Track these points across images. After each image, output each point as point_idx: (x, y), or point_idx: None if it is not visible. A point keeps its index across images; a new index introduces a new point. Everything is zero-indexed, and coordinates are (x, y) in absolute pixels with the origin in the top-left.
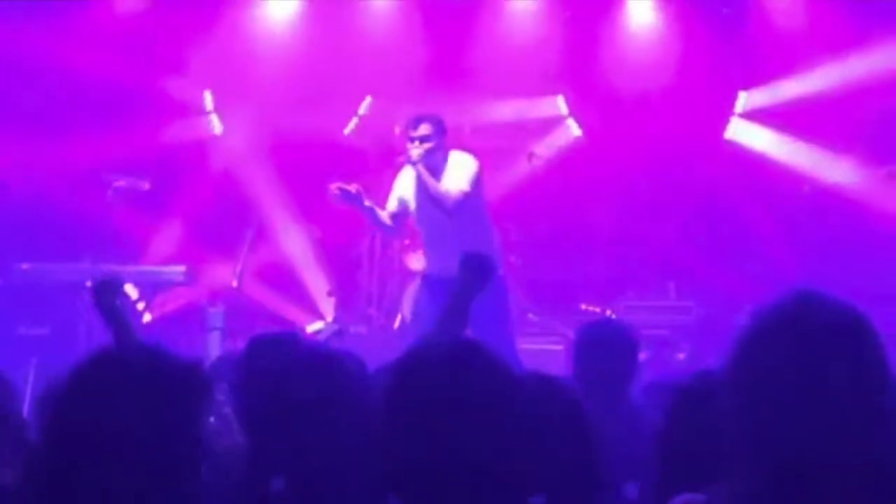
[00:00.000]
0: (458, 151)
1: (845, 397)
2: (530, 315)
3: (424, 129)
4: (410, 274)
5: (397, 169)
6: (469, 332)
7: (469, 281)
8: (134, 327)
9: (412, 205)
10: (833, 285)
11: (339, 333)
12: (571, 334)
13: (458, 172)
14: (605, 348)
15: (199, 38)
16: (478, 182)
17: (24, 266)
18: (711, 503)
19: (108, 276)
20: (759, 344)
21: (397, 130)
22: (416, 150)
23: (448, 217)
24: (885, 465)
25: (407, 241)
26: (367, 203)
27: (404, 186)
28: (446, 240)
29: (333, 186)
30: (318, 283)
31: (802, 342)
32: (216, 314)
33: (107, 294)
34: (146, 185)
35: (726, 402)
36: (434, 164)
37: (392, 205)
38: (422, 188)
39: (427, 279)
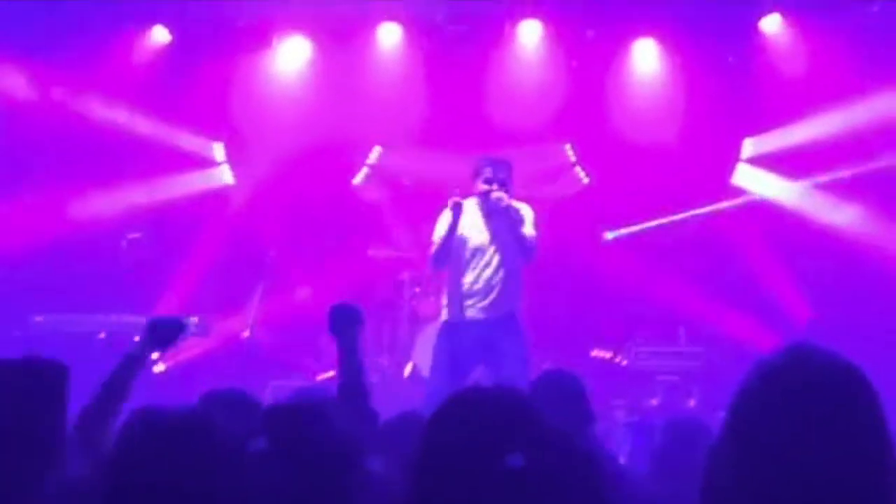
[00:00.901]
0: (515, 200)
1: (838, 455)
2: (543, 364)
3: (503, 172)
4: (421, 321)
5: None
6: (502, 371)
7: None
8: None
9: (466, 244)
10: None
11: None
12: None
13: (529, 219)
14: (556, 396)
15: (211, 90)
16: (538, 233)
17: (38, 318)
18: None
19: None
20: (754, 399)
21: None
22: (498, 195)
23: (526, 263)
24: None
25: (418, 289)
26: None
27: (463, 225)
28: (489, 287)
29: (455, 198)
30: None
31: (794, 399)
32: None
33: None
34: (153, 240)
35: (723, 455)
36: (515, 211)
37: (443, 232)
38: (499, 226)
39: (448, 326)
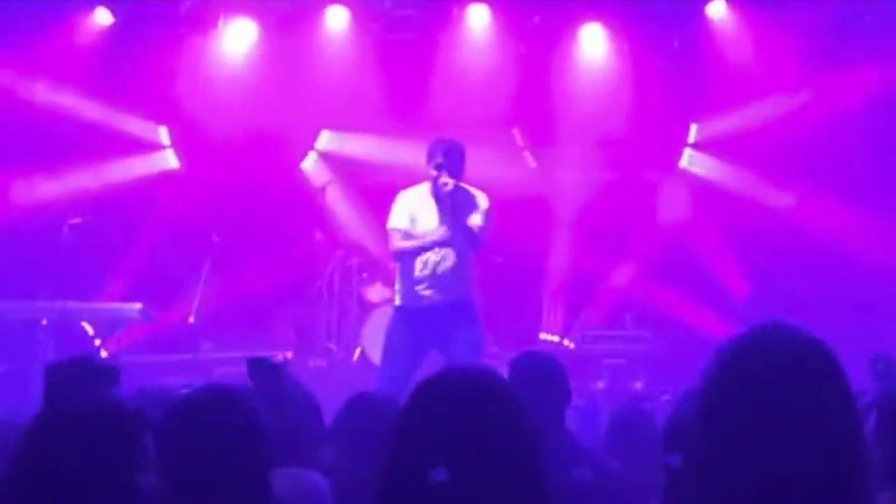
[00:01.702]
0: (471, 187)
1: (810, 426)
2: (494, 349)
3: (453, 157)
4: (369, 307)
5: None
6: (456, 355)
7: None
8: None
9: (422, 226)
10: (784, 309)
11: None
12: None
13: (482, 209)
14: (535, 378)
15: (155, 72)
16: (490, 220)
17: None
18: None
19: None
20: (726, 380)
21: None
22: (445, 179)
23: (472, 251)
24: (849, 491)
25: (365, 274)
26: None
27: (414, 207)
28: (441, 271)
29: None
30: (278, 317)
31: (768, 374)
32: None
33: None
34: (95, 225)
35: (697, 431)
36: (463, 197)
37: (403, 223)
38: (451, 218)
39: (403, 311)
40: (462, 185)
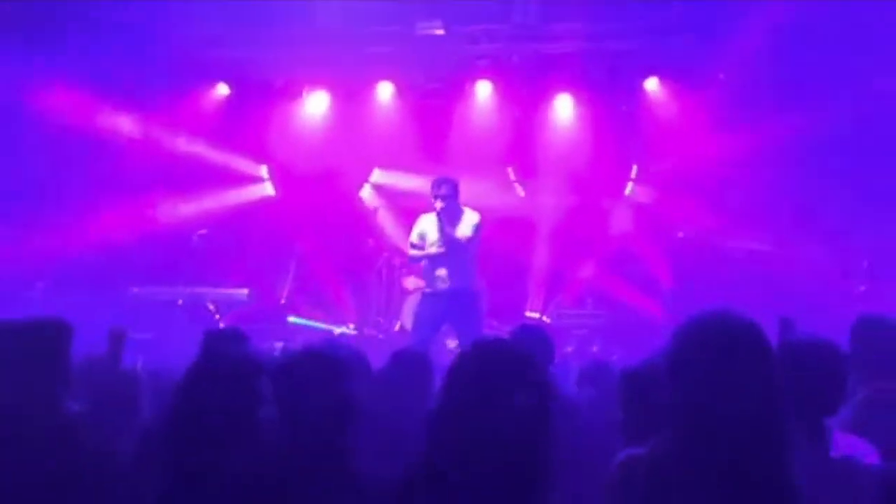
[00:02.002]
0: (469, 208)
1: (742, 386)
2: (494, 323)
3: (445, 189)
4: (406, 292)
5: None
6: (461, 330)
7: None
8: None
9: (429, 240)
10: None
11: None
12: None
13: (468, 223)
14: (531, 342)
15: (259, 128)
16: (479, 231)
17: (135, 289)
18: (650, 453)
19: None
20: (689, 345)
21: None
22: (439, 204)
23: (453, 254)
24: (764, 437)
25: (403, 270)
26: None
27: (423, 227)
28: (447, 268)
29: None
30: (343, 299)
31: (719, 345)
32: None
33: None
34: (217, 236)
35: (666, 384)
36: (452, 214)
37: (414, 239)
38: (443, 234)
39: (426, 296)
40: (460, 206)
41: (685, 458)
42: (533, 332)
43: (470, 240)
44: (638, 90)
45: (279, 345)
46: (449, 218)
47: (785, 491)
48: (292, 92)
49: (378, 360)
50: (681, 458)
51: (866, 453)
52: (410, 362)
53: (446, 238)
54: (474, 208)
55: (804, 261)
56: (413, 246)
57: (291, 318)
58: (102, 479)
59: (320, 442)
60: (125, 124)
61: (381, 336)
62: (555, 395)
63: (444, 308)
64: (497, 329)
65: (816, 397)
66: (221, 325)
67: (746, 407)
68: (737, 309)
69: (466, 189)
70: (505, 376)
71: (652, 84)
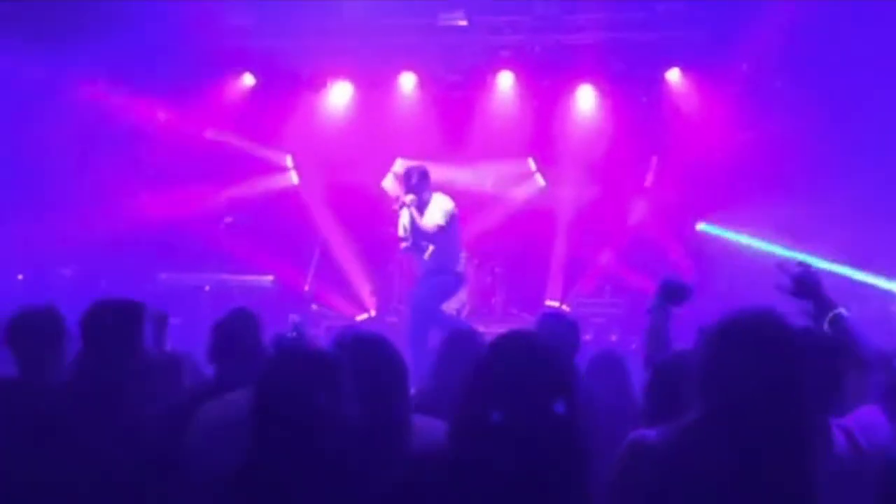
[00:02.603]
0: (440, 194)
1: (772, 382)
2: (513, 310)
3: (415, 179)
4: None
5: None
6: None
7: None
8: None
9: (408, 233)
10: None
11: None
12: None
13: (436, 210)
14: (557, 330)
15: (283, 118)
16: (451, 216)
17: (163, 275)
18: (660, 436)
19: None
20: (724, 340)
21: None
22: (407, 197)
23: (429, 241)
24: (786, 434)
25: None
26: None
27: (405, 220)
28: (429, 254)
29: (398, 202)
30: (364, 286)
31: (753, 348)
32: (294, 320)
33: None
34: (247, 223)
35: (698, 369)
36: (422, 203)
37: (401, 234)
38: (413, 222)
39: (419, 279)
40: (430, 194)
41: (702, 450)
42: (559, 321)
43: (441, 227)
44: (660, 81)
45: (294, 317)
46: (419, 208)
47: (801, 492)
48: (316, 83)
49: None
50: (698, 450)
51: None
52: (462, 340)
53: (417, 231)
54: (493, 197)
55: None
56: (402, 239)
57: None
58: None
59: (382, 421)
60: (154, 114)
61: (401, 323)
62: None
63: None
64: (517, 317)
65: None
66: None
67: (774, 408)
68: (772, 310)
69: (488, 178)
70: (532, 377)
71: (674, 75)
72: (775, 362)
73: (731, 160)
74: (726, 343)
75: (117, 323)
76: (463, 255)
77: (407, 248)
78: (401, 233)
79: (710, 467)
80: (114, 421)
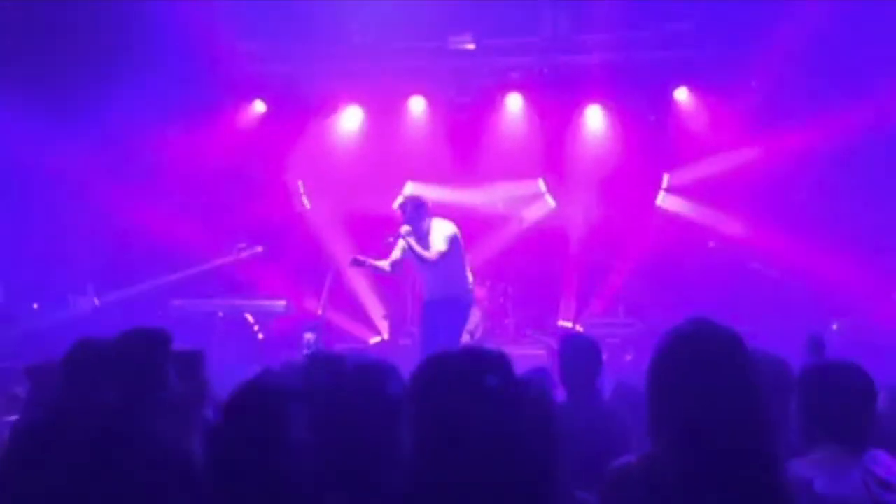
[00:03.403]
0: (439, 220)
1: (723, 393)
2: (527, 331)
3: (409, 209)
4: None
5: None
6: (439, 334)
7: None
8: None
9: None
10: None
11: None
12: (553, 343)
13: (438, 237)
14: (580, 352)
15: (294, 143)
16: (453, 241)
17: (177, 302)
18: (639, 463)
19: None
20: (667, 357)
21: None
22: (403, 228)
23: (432, 268)
24: (753, 437)
25: None
26: (368, 263)
27: (404, 245)
28: (430, 279)
29: (350, 259)
30: (377, 310)
31: (694, 356)
32: (310, 339)
33: None
34: (260, 249)
35: (648, 397)
36: (420, 231)
37: (396, 255)
38: (412, 252)
39: (424, 305)
40: (429, 222)
41: (674, 466)
42: (582, 343)
43: (443, 254)
44: (668, 100)
45: (309, 335)
46: (420, 239)
47: (776, 495)
48: (327, 108)
49: (409, 368)
50: (670, 466)
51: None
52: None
53: (418, 259)
54: (502, 218)
55: (836, 273)
56: (392, 265)
57: None
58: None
59: None
60: (167, 141)
61: (413, 345)
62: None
63: (436, 316)
64: (532, 337)
65: (846, 420)
66: (259, 335)
67: (727, 413)
68: (712, 318)
69: (498, 200)
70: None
71: (682, 94)
72: (717, 365)
73: (743, 177)
74: (669, 354)
75: (146, 352)
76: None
77: (392, 273)
78: (396, 255)
79: (689, 486)
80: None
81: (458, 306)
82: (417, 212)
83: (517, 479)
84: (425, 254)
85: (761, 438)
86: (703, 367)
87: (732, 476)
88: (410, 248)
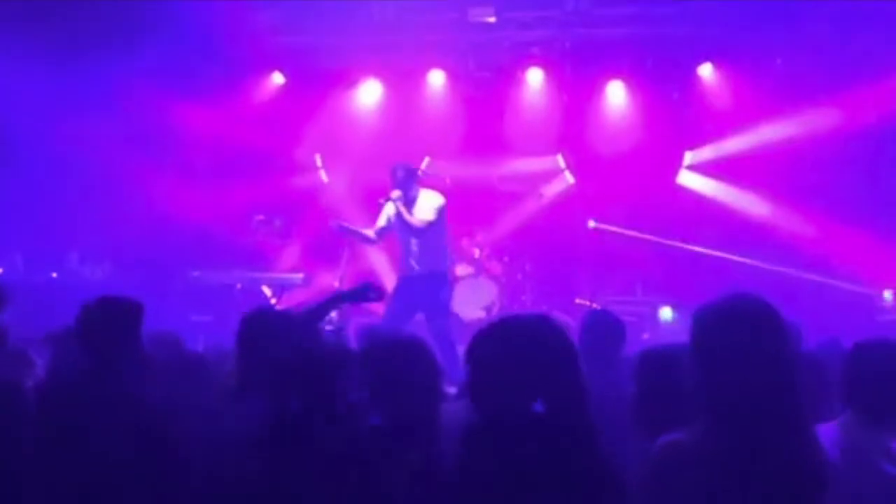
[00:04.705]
0: (428, 190)
1: (765, 366)
2: (544, 308)
3: (400, 175)
4: (456, 279)
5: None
6: (429, 315)
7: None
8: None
9: (396, 222)
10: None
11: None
12: (570, 321)
13: (426, 206)
14: (600, 325)
15: (312, 116)
16: (440, 212)
17: (195, 273)
18: (689, 439)
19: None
20: (711, 329)
21: (447, 181)
22: (394, 193)
23: (416, 236)
24: (790, 413)
25: (453, 256)
26: (351, 229)
27: (389, 212)
28: (413, 250)
29: (331, 222)
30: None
31: (737, 327)
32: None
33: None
34: (279, 222)
35: (691, 370)
36: (410, 199)
37: (381, 223)
38: (399, 216)
39: (400, 279)
40: (418, 190)
41: (721, 440)
42: (606, 320)
43: (431, 223)
44: (692, 76)
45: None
46: (406, 204)
47: (814, 464)
48: (346, 81)
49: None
50: (717, 441)
51: None
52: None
53: (404, 225)
54: (523, 195)
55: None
56: (378, 231)
57: None
58: (170, 463)
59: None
60: (185, 113)
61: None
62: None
63: (416, 291)
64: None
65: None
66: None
67: (769, 385)
68: (752, 292)
69: (519, 176)
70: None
71: (706, 70)
72: (762, 338)
73: (766, 155)
74: (711, 327)
75: (114, 321)
76: (476, 251)
77: (375, 241)
78: (381, 223)
79: (736, 461)
80: (118, 415)
81: (444, 283)
82: (408, 179)
83: None
84: (412, 219)
85: (799, 411)
86: (749, 342)
87: (775, 449)
88: (398, 213)
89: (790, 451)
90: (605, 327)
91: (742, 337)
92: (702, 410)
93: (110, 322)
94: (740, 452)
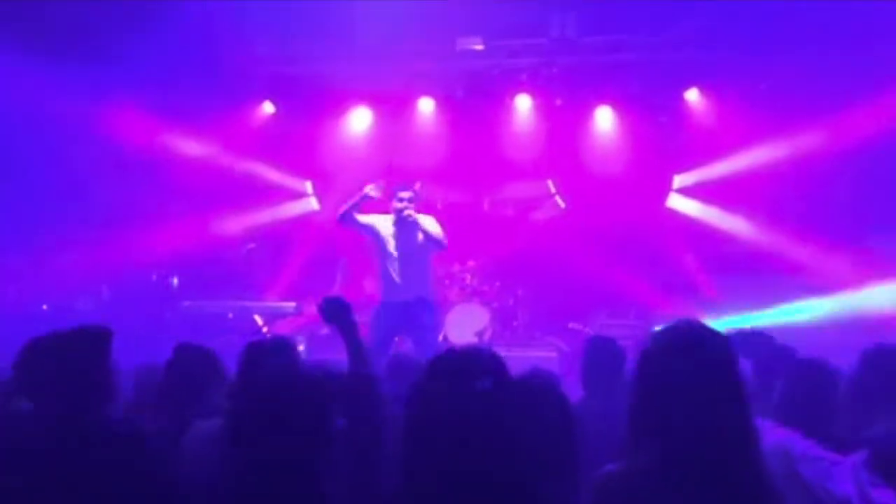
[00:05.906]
0: (422, 214)
1: (708, 397)
2: (536, 333)
3: (410, 195)
4: (450, 304)
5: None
6: (417, 338)
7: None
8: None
9: (387, 242)
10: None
11: None
12: (563, 345)
13: (430, 222)
14: (602, 352)
15: (304, 144)
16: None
17: (186, 303)
18: (620, 471)
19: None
20: (651, 360)
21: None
22: (409, 210)
23: (440, 250)
24: (735, 446)
25: (447, 281)
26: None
27: (381, 226)
28: (406, 275)
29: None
30: None
31: (678, 358)
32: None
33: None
34: (252, 245)
35: (631, 402)
36: (410, 221)
37: (363, 218)
38: (412, 235)
39: (384, 305)
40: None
41: (662, 467)
42: (605, 344)
43: (440, 243)
44: (678, 101)
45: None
46: (409, 224)
47: (762, 491)
48: (336, 109)
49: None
50: (658, 469)
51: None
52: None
53: (426, 238)
54: (513, 219)
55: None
56: (357, 217)
57: None
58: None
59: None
60: (176, 141)
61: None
62: None
63: (402, 317)
64: (540, 340)
65: None
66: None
67: (713, 412)
68: (698, 321)
69: (507, 201)
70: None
71: (693, 95)
72: (704, 366)
73: (753, 179)
74: (655, 356)
75: (87, 348)
76: (468, 276)
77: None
78: (365, 220)
79: (677, 488)
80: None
81: (433, 308)
82: (413, 200)
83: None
84: (435, 231)
85: (747, 446)
86: (688, 371)
87: (715, 483)
88: (423, 228)
89: (735, 477)
90: (606, 355)
91: (683, 364)
92: (641, 439)
93: (81, 350)
94: (685, 480)
